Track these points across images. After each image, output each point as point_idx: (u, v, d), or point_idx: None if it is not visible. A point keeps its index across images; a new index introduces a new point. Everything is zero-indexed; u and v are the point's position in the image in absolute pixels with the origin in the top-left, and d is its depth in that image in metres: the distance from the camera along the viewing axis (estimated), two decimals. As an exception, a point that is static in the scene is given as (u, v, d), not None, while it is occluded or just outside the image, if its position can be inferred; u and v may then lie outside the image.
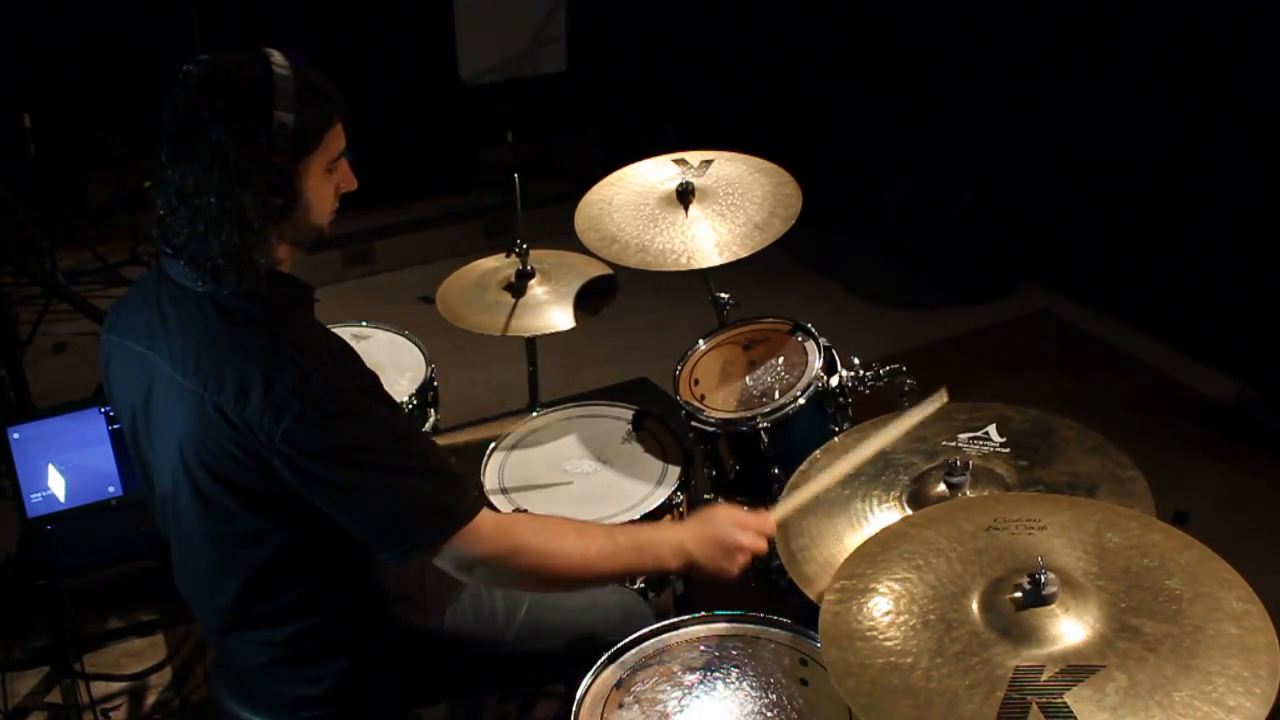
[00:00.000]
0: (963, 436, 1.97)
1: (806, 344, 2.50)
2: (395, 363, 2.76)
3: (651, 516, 2.31)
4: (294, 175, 1.68)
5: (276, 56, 1.68)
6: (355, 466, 1.64)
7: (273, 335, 1.65)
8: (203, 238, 1.64)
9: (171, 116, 1.65)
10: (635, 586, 2.30)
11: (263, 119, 1.62)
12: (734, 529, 1.88)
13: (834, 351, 2.47)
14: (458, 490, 1.71)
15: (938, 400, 2.04)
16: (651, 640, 1.87)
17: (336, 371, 1.64)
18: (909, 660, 1.42)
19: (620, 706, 1.74)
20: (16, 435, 2.79)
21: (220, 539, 1.76)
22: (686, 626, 1.90)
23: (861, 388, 2.42)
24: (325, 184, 1.74)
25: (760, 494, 2.45)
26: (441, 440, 2.51)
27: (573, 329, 2.74)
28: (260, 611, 1.82)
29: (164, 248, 1.72)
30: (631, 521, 2.27)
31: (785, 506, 1.94)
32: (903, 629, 1.46)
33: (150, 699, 2.88)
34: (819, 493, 1.92)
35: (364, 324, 2.90)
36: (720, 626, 1.89)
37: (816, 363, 2.43)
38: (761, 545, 1.90)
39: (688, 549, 1.85)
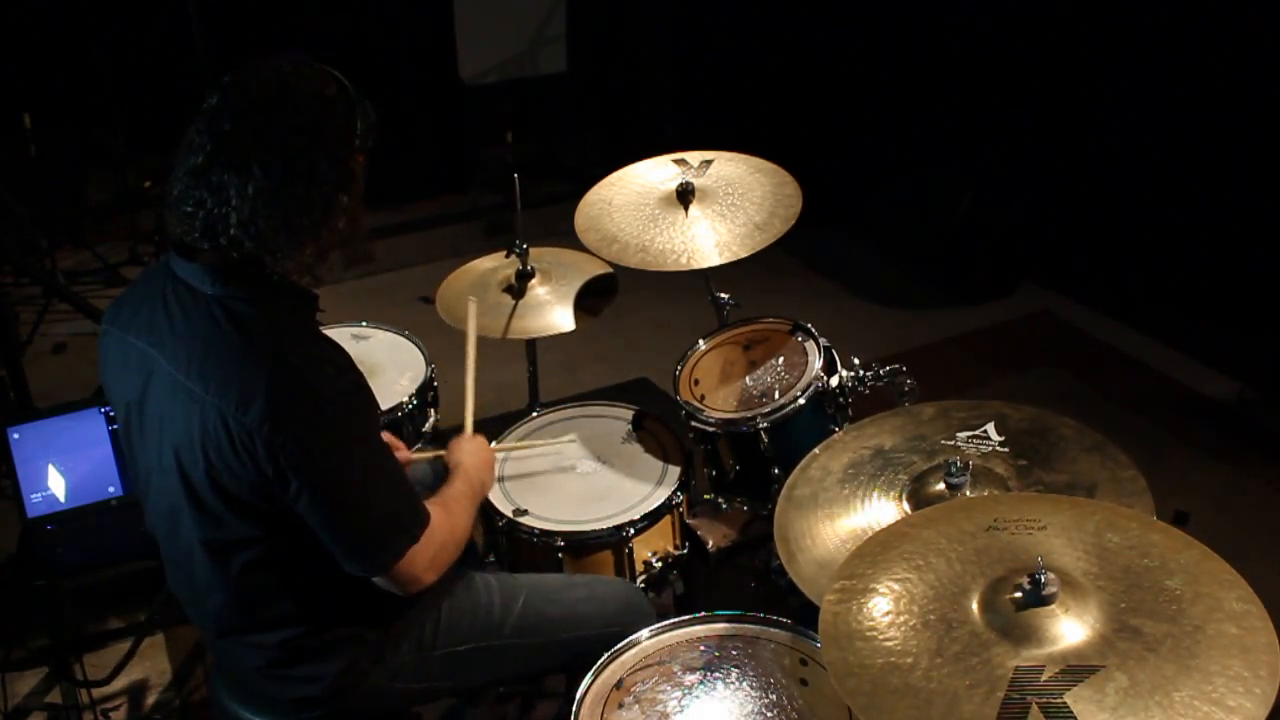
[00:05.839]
0: (962, 436, 1.97)
1: (806, 344, 2.50)
2: (395, 363, 2.76)
3: (652, 517, 2.31)
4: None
5: (315, 65, 1.71)
6: (342, 485, 1.68)
7: (279, 344, 1.66)
8: (292, 253, 1.68)
9: (238, 137, 1.63)
10: (637, 585, 2.30)
11: (351, 130, 1.69)
12: (475, 454, 2.12)
13: (834, 351, 2.47)
14: (412, 510, 1.79)
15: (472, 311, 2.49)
16: (651, 640, 1.88)
17: (340, 388, 1.67)
18: (909, 660, 1.42)
19: (620, 706, 1.74)
20: (16, 435, 2.79)
21: (213, 544, 1.76)
22: (686, 626, 1.90)
23: (861, 388, 2.42)
24: None
25: (760, 494, 2.45)
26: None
27: (573, 329, 2.73)
28: (254, 616, 1.82)
29: (173, 251, 1.73)
30: (631, 522, 2.28)
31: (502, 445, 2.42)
32: (903, 629, 1.46)
33: (150, 699, 2.88)
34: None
35: (364, 324, 2.90)
36: (720, 626, 1.90)
37: (816, 363, 2.43)
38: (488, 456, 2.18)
39: (472, 476, 2.05)
